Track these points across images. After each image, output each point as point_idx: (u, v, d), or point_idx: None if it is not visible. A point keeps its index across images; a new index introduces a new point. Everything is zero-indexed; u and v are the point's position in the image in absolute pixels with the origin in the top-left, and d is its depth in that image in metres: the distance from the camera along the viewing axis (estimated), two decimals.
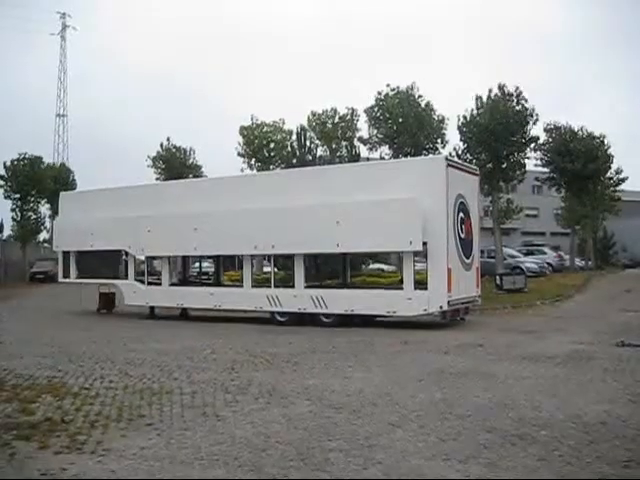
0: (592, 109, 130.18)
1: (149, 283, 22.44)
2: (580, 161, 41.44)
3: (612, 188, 46.25)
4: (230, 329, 18.51)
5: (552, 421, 7.28)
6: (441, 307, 16.89)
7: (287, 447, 6.55)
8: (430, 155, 31.00)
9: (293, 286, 19.13)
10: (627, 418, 7.35)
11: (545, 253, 45.46)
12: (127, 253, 22.75)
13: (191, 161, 47.11)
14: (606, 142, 43.32)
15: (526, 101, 34.26)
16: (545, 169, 44.32)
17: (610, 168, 44.73)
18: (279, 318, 19.39)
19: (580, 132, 43.16)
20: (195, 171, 46.26)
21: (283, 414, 7.93)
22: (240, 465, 6.02)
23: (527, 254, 43.98)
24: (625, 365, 10.87)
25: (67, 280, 24.72)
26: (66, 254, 24.53)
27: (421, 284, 17.33)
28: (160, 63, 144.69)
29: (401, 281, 18.17)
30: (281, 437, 6.92)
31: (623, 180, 45.82)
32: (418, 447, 6.47)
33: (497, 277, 27.28)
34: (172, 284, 22.32)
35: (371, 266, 29.55)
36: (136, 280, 22.70)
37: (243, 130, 42.23)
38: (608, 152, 43.74)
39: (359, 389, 9.33)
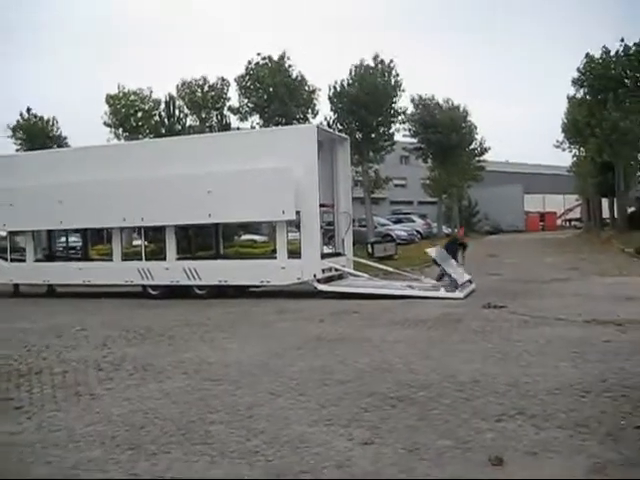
0: (455, 82, 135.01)
1: (12, 260, 21.32)
2: (445, 132, 43.01)
3: (476, 158, 48.35)
4: (101, 305, 17.94)
5: (428, 382, 7.49)
6: (315, 275, 17.05)
7: (166, 422, 6.39)
8: (301, 124, 31.09)
9: (165, 258, 18.74)
10: (497, 375, 7.66)
11: (414, 221, 47.06)
12: None
13: (55, 132, 44.97)
14: (468, 112, 45.23)
15: (397, 75, 35.15)
16: (413, 140, 45.73)
17: (474, 139, 46.75)
18: (151, 292, 18.94)
19: (444, 104, 44.77)
20: (59, 142, 44.22)
21: (160, 389, 7.75)
22: (118, 444, 5.81)
23: (396, 222, 45.37)
24: (492, 326, 11.34)
25: None
26: None
27: (294, 253, 17.42)
28: (25, 24, 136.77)
29: (274, 251, 18.15)
30: (159, 413, 6.75)
31: (486, 150, 47.93)
32: (300, 414, 6.48)
33: (369, 245, 27.82)
34: (37, 260, 21.29)
35: (243, 237, 29.38)
36: None
37: (109, 99, 40.85)
38: (469, 123, 45.71)
39: (237, 360, 9.25)
